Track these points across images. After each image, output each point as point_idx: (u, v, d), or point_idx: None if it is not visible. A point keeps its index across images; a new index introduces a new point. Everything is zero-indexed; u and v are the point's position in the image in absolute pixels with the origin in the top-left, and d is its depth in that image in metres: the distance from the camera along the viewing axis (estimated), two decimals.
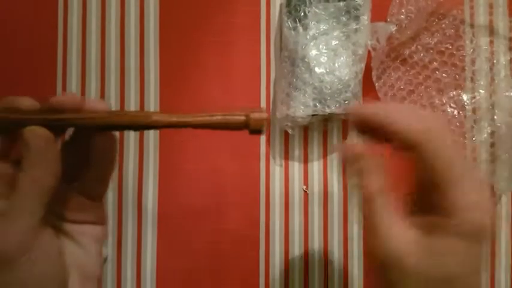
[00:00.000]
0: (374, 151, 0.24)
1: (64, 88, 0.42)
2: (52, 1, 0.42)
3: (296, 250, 0.41)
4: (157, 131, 0.42)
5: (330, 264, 0.41)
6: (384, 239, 0.22)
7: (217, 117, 0.23)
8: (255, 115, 0.23)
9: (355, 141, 0.23)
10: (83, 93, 0.42)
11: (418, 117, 0.22)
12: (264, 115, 0.23)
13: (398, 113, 0.22)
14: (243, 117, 0.23)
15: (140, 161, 0.41)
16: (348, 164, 0.23)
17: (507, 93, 0.41)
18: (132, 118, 0.23)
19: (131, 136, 0.42)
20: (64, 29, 0.42)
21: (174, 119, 0.23)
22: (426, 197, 0.23)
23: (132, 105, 0.42)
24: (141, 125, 0.23)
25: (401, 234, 0.22)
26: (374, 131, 0.23)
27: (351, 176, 0.24)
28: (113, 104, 0.42)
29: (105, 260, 0.41)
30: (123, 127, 0.23)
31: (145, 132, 0.42)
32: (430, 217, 0.22)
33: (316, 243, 0.41)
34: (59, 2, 0.42)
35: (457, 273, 0.21)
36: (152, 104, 0.42)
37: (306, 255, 0.41)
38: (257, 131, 0.23)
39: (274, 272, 0.41)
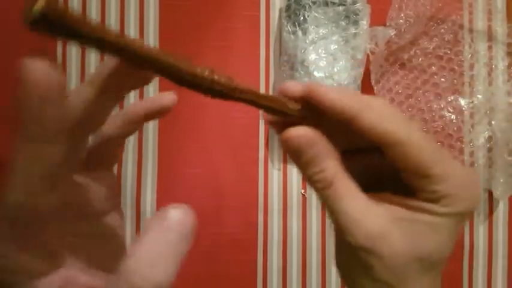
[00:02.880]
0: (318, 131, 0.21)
1: None
2: None
3: (294, 253, 0.41)
4: (156, 135, 0.42)
5: (328, 268, 0.41)
6: (357, 223, 0.20)
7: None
8: None
9: (298, 128, 0.20)
10: None
11: (393, 115, 0.20)
12: None
13: (368, 108, 0.20)
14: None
15: (139, 164, 0.41)
16: (297, 156, 0.20)
17: (505, 99, 0.42)
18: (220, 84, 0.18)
19: (130, 140, 0.42)
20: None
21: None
22: (393, 181, 0.22)
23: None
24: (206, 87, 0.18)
25: (375, 216, 0.20)
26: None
27: (304, 167, 0.20)
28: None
29: None
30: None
31: (144, 136, 0.42)
32: (404, 198, 0.21)
33: (314, 247, 0.41)
34: None
35: (436, 251, 0.20)
36: None
37: (304, 259, 0.41)
38: None
39: (272, 275, 0.41)
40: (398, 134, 0.19)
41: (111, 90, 0.18)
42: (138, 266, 0.15)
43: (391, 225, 0.20)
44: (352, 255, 0.21)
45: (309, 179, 0.21)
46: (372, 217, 0.20)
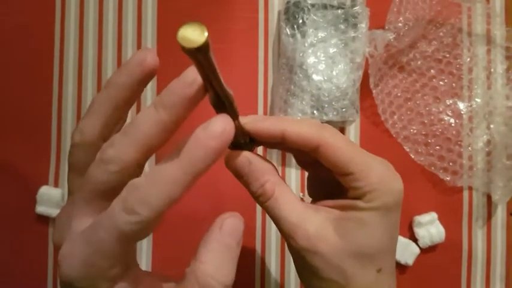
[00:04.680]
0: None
1: (60, 91, 0.42)
2: (49, 7, 0.42)
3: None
4: None
5: None
6: (296, 227, 0.22)
7: None
8: None
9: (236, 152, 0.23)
10: (79, 99, 0.42)
11: (309, 124, 0.23)
12: None
13: (290, 123, 0.23)
14: None
15: None
16: (240, 174, 0.23)
17: (504, 102, 0.42)
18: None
19: None
20: (61, 37, 0.42)
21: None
22: (326, 185, 0.25)
23: (129, 114, 0.41)
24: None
25: (312, 219, 0.22)
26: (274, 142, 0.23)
27: (247, 183, 0.23)
28: None
29: None
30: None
31: None
32: (337, 200, 0.23)
33: None
34: (56, 10, 0.42)
35: (366, 245, 0.22)
36: None
37: None
38: None
39: (270, 280, 0.41)
40: (317, 138, 0.22)
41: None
42: (207, 268, 0.19)
43: (326, 225, 0.22)
44: (299, 258, 0.23)
45: (253, 195, 0.23)
46: (309, 220, 0.22)
